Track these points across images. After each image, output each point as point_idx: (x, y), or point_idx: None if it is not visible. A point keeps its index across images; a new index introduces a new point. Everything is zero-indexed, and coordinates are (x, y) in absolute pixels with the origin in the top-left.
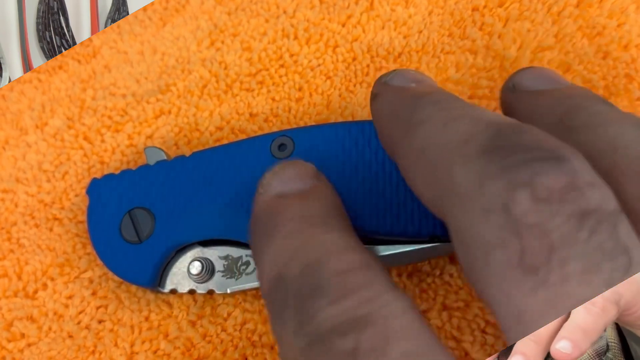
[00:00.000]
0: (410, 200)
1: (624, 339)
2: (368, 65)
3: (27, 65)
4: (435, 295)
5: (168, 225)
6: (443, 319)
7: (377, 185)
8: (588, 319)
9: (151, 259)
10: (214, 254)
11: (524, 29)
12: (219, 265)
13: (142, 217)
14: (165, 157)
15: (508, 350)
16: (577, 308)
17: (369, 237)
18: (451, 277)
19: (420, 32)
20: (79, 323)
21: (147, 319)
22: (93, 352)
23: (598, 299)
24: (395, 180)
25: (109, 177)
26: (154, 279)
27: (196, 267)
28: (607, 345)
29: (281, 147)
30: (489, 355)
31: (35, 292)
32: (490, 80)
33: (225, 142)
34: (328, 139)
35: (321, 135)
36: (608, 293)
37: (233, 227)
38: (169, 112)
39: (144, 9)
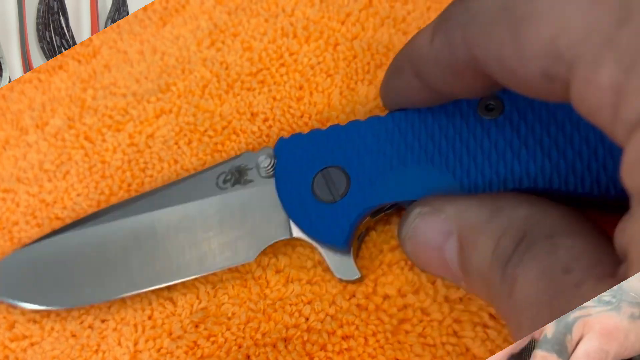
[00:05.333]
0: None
1: None
2: (369, 63)
3: (27, 65)
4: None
5: (364, 185)
6: (444, 312)
7: (585, 148)
8: None
9: (347, 218)
10: None
11: None
12: None
13: (336, 176)
14: None
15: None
16: None
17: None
18: None
19: (419, 28)
20: (82, 322)
21: (150, 317)
22: (96, 351)
23: None
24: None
25: (297, 137)
26: (350, 239)
27: None
28: None
29: (489, 106)
30: (491, 351)
31: None
32: None
33: (227, 142)
34: (541, 102)
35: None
36: (594, 353)
37: (434, 189)
38: (170, 111)
39: (144, 8)
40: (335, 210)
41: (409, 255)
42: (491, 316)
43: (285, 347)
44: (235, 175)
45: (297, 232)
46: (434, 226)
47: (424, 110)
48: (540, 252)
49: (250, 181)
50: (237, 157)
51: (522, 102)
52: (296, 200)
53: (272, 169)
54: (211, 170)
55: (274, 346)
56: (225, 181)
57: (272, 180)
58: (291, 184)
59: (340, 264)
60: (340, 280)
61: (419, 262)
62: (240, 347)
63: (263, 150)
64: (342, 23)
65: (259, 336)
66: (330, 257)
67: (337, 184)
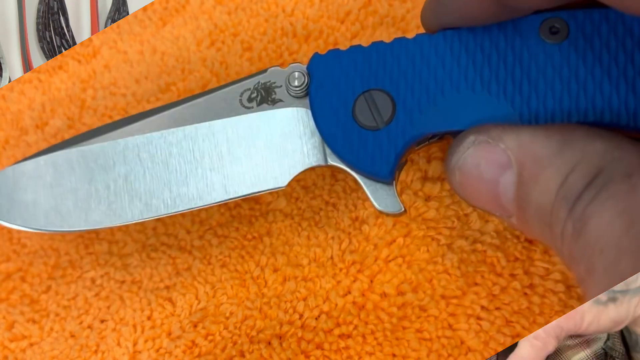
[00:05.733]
0: None
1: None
2: None
3: (27, 65)
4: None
5: (412, 111)
6: (440, 308)
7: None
8: (531, 353)
9: (393, 147)
10: None
11: None
12: None
13: (380, 100)
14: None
15: (506, 351)
16: (522, 341)
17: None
18: (451, 266)
19: (419, 27)
20: (81, 323)
21: (149, 317)
22: (96, 352)
23: (541, 334)
24: None
25: (335, 53)
26: (394, 169)
27: None
28: (607, 353)
29: (552, 29)
30: (484, 342)
31: (38, 293)
32: None
33: None
34: (612, 24)
35: (604, 19)
36: (550, 327)
37: (490, 119)
38: None
39: (144, 9)
40: (380, 137)
41: (456, 185)
42: (483, 308)
43: (280, 344)
44: (262, 93)
45: (332, 159)
46: (489, 156)
47: (479, 30)
48: (619, 192)
49: (279, 101)
50: (261, 72)
51: (588, 26)
52: (334, 125)
53: (304, 89)
54: (233, 86)
55: (269, 343)
56: (250, 99)
57: (305, 101)
58: (329, 106)
59: (382, 196)
60: (381, 213)
61: (465, 194)
62: (235, 344)
63: (293, 66)
64: (342, 22)
65: (254, 333)
66: (370, 188)
67: (381, 109)
